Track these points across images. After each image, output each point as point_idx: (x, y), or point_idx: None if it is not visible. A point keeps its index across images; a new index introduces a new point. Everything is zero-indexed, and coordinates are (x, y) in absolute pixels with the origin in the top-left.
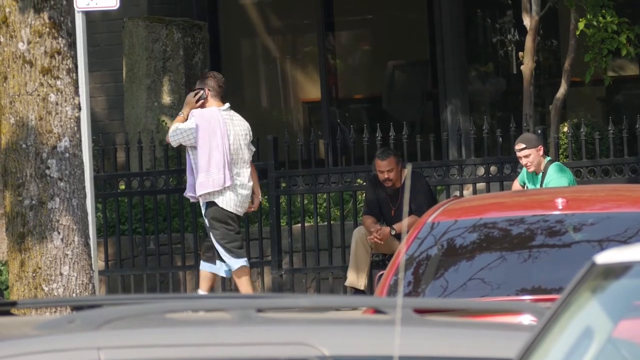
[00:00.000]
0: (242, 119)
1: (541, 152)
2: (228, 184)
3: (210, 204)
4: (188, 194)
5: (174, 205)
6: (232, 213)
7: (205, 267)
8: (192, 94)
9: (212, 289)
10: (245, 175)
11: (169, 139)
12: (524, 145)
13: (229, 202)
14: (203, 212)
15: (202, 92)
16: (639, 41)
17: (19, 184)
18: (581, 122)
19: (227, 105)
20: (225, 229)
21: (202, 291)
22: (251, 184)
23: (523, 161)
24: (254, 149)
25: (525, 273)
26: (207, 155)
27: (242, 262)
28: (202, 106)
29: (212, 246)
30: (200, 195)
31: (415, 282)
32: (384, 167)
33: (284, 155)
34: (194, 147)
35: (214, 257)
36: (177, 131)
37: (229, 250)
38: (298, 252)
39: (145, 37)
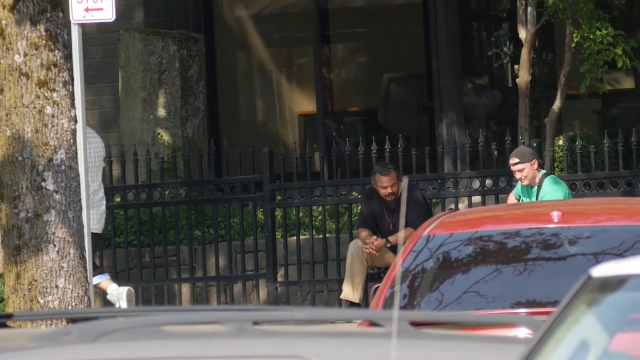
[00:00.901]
0: (97, 135)
1: (535, 166)
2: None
3: None
4: None
5: (170, 218)
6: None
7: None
8: None
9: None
10: (102, 191)
11: None
12: (517, 160)
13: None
14: None
15: None
16: (635, 54)
17: (15, 196)
18: (577, 135)
19: None
20: None
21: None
22: (104, 200)
23: (517, 175)
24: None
25: (521, 286)
26: None
27: None
28: None
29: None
30: None
31: (410, 295)
32: (386, 183)
33: (280, 167)
34: None
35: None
36: None
37: None
38: (293, 265)
39: (141, 49)
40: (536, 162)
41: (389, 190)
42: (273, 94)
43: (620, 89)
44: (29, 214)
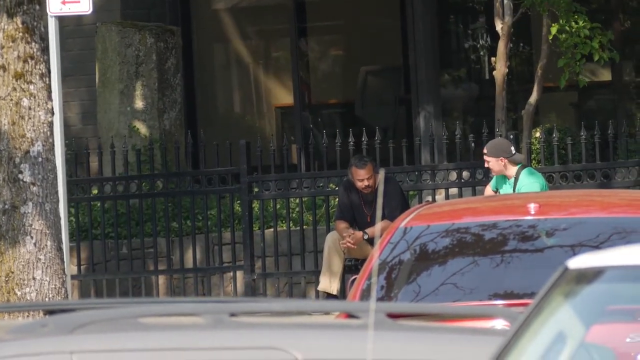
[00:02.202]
0: None
1: (502, 163)
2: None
3: None
4: None
5: (147, 210)
6: None
7: None
8: None
9: None
10: None
11: None
12: (485, 151)
13: None
14: None
15: None
16: (612, 46)
17: None
18: (553, 127)
19: None
20: None
21: None
22: None
23: (486, 164)
24: None
25: (497, 278)
26: None
27: None
28: None
29: None
30: None
31: (387, 287)
32: (363, 176)
33: (257, 160)
34: None
35: None
36: None
37: None
38: (271, 257)
39: (118, 42)
40: (504, 160)
41: (366, 182)
42: (250, 86)
43: (596, 82)
44: (6, 206)
